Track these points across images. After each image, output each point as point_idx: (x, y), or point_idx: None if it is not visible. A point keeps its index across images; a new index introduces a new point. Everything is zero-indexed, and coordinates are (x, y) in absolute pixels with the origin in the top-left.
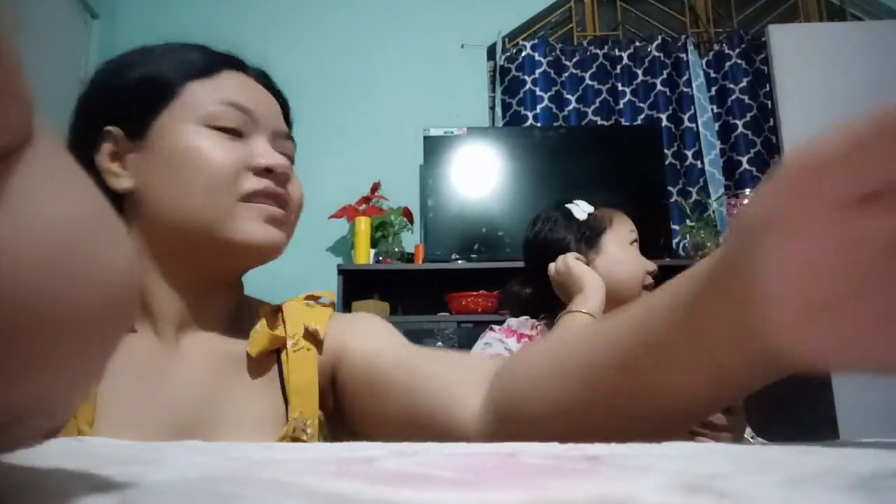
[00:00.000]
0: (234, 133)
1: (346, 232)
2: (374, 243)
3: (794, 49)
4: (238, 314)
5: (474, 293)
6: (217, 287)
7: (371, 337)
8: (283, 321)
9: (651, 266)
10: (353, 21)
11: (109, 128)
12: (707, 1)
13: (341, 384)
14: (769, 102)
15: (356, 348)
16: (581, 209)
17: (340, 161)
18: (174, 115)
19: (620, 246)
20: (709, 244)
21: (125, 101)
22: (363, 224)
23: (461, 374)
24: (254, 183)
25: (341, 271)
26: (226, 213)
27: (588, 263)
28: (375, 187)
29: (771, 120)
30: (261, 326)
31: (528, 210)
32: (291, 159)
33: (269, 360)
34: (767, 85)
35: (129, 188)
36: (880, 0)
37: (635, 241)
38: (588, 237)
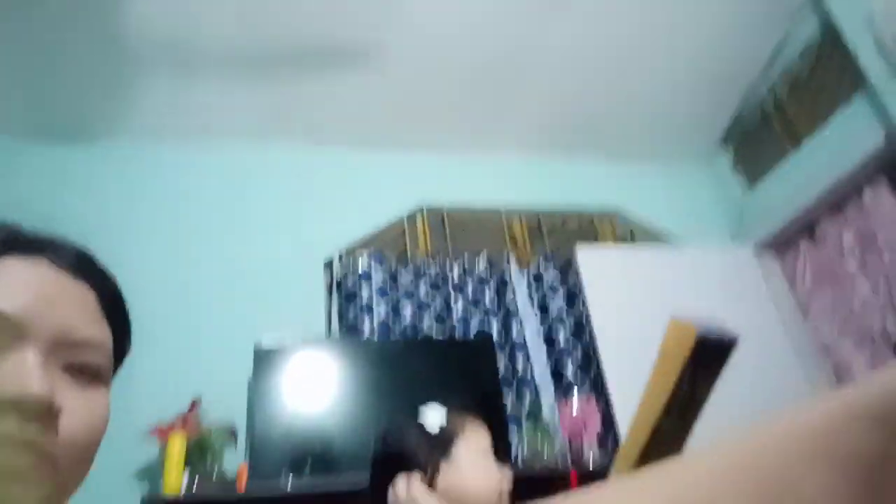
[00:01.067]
0: None
1: (156, 455)
2: (190, 466)
3: (598, 267)
4: None
5: None
6: None
7: None
8: None
9: (507, 473)
10: (183, 224)
11: None
12: (522, 227)
13: None
14: (584, 314)
15: None
16: (433, 416)
17: (156, 374)
18: None
19: (473, 455)
20: (546, 451)
21: None
22: (177, 444)
23: None
24: None
25: (146, 502)
26: None
27: (436, 477)
28: (195, 403)
29: (588, 330)
30: None
31: (366, 423)
32: (97, 373)
33: None
34: (581, 298)
35: None
36: (663, 231)
37: (489, 448)
38: (439, 447)
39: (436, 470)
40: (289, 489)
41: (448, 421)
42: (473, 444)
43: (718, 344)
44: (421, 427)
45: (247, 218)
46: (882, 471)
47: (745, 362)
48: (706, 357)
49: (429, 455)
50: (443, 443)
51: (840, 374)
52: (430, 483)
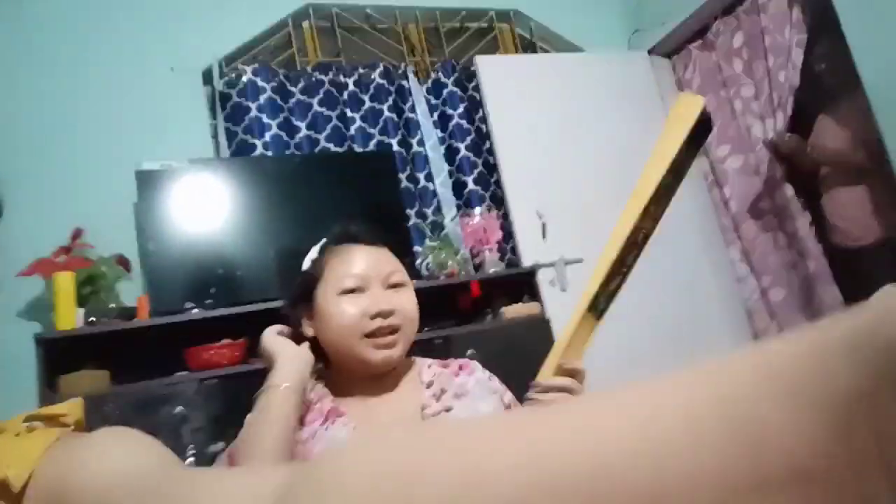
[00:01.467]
0: None
1: (43, 292)
2: (82, 301)
3: (498, 77)
4: None
5: (217, 344)
6: None
7: (104, 470)
8: None
9: (373, 308)
10: (45, 38)
11: None
12: (420, 32)
13: None
14: (484, 126)
15: (81, 490)
16: (309, 257)
17: (31, 205)
18: None
19: (330, 296)
20: (450, 262)
21: None
22: (65, 280)
23: None
24: None
25: (39, 341)
26: None
27: (303, 319)
28: (77, 234)
29: (487, 142)
30: None
31: (268, 245)
32: None
33: None
34: (481, 110)
35: None
36: (562, 36)
37: (354, 283)
38: (303, 294)
39: (301, 312)
40: (193, 316)
41: (318, 257)
42: (331, 284)
43: (709, 119)
44: (299, 271)
45: (111, 31)
46: (857, 410)
47: (633, 164)
48: (700, 128)
49: (295, 297)
50: (305, 289)
51: (717, 175)
52: (298, 325)
